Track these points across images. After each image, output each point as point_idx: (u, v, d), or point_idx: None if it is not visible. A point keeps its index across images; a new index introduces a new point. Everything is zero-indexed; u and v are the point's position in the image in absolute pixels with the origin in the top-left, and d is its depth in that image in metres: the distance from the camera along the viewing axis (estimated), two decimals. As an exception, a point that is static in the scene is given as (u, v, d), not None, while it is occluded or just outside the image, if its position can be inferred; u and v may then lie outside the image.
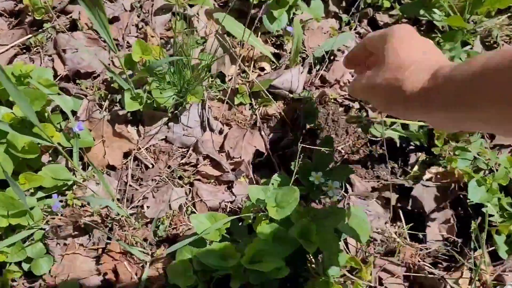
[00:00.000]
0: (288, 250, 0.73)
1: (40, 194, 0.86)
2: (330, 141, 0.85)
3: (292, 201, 0.73)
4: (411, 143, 0.98)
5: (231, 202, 0.92)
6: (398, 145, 0.94)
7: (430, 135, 0.95)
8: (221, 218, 0.79)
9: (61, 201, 0.83)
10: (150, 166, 0.94)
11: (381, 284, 0.86)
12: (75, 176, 0.89)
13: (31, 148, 0.80)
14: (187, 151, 0.95)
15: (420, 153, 0.97)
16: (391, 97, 0.54)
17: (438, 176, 0.92)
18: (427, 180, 0.93)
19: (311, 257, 0.83)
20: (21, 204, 0.76)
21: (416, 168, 0.94)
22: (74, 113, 0.94)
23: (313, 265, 0.82)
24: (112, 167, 0.94)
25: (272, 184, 0.86)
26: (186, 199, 0.92)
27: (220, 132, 0.97)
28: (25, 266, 0.83)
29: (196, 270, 0.78)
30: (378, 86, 0.55)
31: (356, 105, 1.02)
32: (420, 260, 0.87)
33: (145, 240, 0.88)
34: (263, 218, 0.79)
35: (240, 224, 0.86)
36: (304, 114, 0.96)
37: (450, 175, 0.91)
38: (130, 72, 0.95)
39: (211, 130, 0.96)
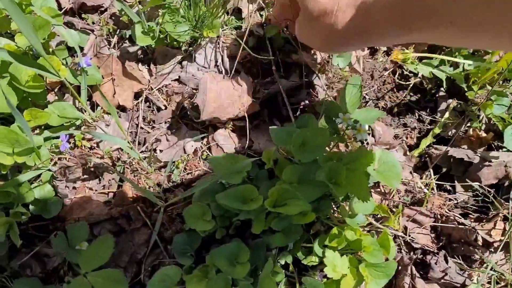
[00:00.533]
0: (315, 194, 0.67)
1: (47, 134, 0.80)
2: (357, 81, 0.78)
3: (321, 143, 0.67)
4: (442, 89, 0.92)
5: (249, 148, 0.86)
6: (430, 84, 0.87)
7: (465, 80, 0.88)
8: (240, 160, 0.73)
9: (69, 141, 0.78)
10: (163, 107, 0.88)
11: (407, 234, 0.82)
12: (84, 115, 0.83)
13: (36, 82, 0.73)
14: (202, 92, 0.89)
15: (451, 100, 0.90)
16: (329, 42, 0.58)
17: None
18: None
19: (334, 205, 0.78)
20: (27, 141, 0.70)
21: (447, 114, 0.88)
22: (80, 49, 0.87)
23: (337, 214, 0.78)
24: (122, 108, 0.87)
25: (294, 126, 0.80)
26: (202, 143, 0.86)
27: (237, 72, 0.89)
28: (33, 209, 0.78)
29: (215, 216, 0.74)
30: (314, 35, 0.59)
31: (384, 47, 0.94)
32: (448, 211, 0.82)
33: (158, 185, 0.83)
34: (288, 163, 0.73)
35: (260, 169, 0.81)
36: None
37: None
38: (141, 6, 0.87)
39: (226, 71, 0.89)
